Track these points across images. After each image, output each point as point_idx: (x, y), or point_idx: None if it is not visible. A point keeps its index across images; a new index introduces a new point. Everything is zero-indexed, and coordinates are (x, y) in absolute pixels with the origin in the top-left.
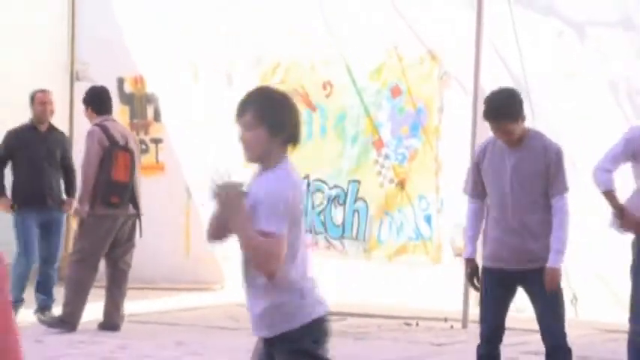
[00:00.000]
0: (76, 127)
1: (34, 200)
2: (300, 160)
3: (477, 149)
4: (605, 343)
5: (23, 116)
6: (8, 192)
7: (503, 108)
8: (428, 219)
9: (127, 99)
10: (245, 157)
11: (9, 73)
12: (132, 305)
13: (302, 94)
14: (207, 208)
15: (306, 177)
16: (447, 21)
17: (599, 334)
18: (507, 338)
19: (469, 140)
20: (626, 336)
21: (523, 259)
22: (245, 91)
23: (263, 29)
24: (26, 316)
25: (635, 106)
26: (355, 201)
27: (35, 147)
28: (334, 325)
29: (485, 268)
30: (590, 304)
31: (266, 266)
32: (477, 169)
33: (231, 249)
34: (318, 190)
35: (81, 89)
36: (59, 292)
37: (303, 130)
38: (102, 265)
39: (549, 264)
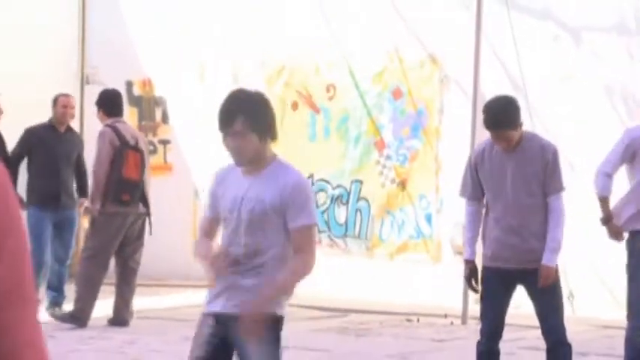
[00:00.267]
0: (86, 129)
1: (50, 199)
2: (304, 160)
3: (474, 152)
4: (601, 340)
5: (34, 117)
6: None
7: (502, 116)
8: (428, 218)
9: (135, 101)
10: (236, 161)
11: (22, 74)
12: (141, 302)
13: (306, 97)
14: None
15: (310, 177)
16: (446, 26)
17: (596, 331)
18: (505, 334)
19: (469, 141)
20: (622, 332)
21: (523, 259)
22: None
23: (268, 33)
24: None
25: (629, 108)
26: (358, 200)
27: (53, 147)
28: (336, 322)
29: (485, 267)
30: (587, 301)
31: (311, 265)
32: (474, 171)
33: None
34: (322, 189)
35: (91, 92)
36: (69, 290)
37: (307, 132)
38: (112, 262)
39: (544, 262)
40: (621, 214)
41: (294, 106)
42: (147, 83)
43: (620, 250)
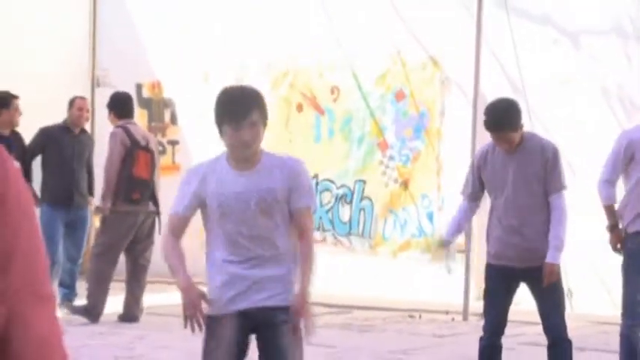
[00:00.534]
0: (97, 130)
1: (62, 198)
2: (309, 160)
3: (477, 155)
4: (598, 335)
5: (46, 117)
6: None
7: (503, 119)
8: (430, 216)
9: (145, 103)
10: (244, 153)
11: (34, 75)
12: (150, 298)
13: (310, 98)
14: None
15: (315, 177)
16: (448, 29)
17: (592, 327)
18: (505, 330)
19: (469, 142)
20: (617, 328)
21: (525, 257)
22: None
23: (273, 37)
24: None
25: (626, 109)
26: (361, 200)
27: (66, 148)
28: (340, 318)
29: (489, 265)
30: (585, 299)
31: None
32: (477, 173)
33: None
34: (326, 189)
35: (102, 95)
36: (80, 287)
37: (312, 133)
38: (123, 260)
39: (548, 259)
40: (623, 216)
41: (299, 107)
42: (156, 85)
43: None
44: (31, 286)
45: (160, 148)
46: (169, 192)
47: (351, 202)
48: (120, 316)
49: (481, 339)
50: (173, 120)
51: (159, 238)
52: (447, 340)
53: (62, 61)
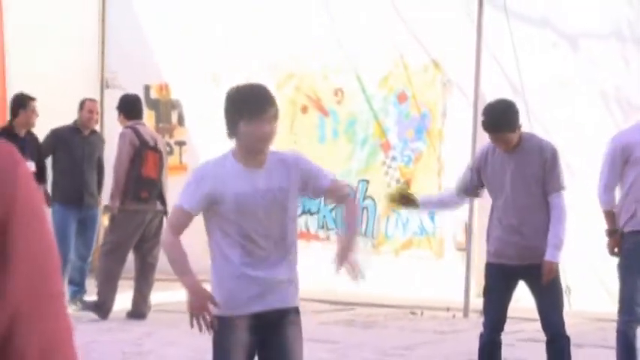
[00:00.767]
0: (106, 131)
1: (73, 198)
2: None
3: (477, 155)
4: (596, 332)
5: (57, 118)
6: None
7: (501, 120)
8: (431, 216)
9: (153, 105)
10: (264, 148)
11: (45, 77)
12: (158, 295)
13: (315, 100)
14: None
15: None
16: (449, 33)
17: (590, 323)
18: (505, 326)
19: (470, 143)
20: (614, 325)
21: (525, 256)
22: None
23: (279, 41)
24: None
25: (624, 112)
26: (364, 199)
27: (77, 149)
28: (344, 315)
29: (489, 263)
30: (583, 296)
31: None
32: (476, 174)
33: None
34: None
35: (111, 96)
36: (89, 284)
37: (317, 134)
38: (131, 258)
39: (547, 257)
40: (619, 217)
41: (304, 109)
42: (163, 87)
43: None
44: (41, 285)
45: (168, 148)
46: (177, 192)
47: None
48: (128, 313)
49: (481, 335)
50: (180, 121)
51: None
52: (448, 336)
53: (73, 63)
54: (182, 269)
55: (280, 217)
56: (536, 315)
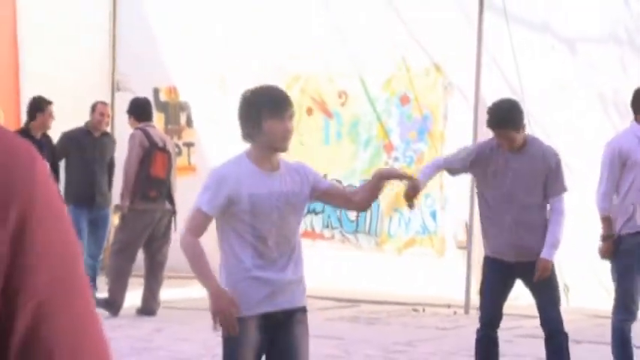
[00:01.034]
0: (117, 133)
1: (85, 199)
2: (318, 161)
3: (478, 149)
4: (593, 328)
5: (69, 120)
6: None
7: (506, 117)
8: (433, 215)
9: (162, 107)
10: (287, 146)
11: (58, 79)
12: (167, 292)
13: (319, 103)
14: None
15: (324, 177)
16: (450, 36)
17: (588, 320)
18: (503, 323)
19: (470, 144)
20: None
21: (522, 254)
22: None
23: (285, 45)
24: None
25: (622, 115)
26: None
27: (88, 151)
28: (348, 311)
29: (487, 257)
30: (581, 293)
31: None
32: (469, 165)
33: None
34: None
35: (121, 99)
36: (100, 282)
37: (321, 135)
38: (141, 256)
39: (542, 255)
40: (616, 220)
41: (309, 111)
42: (172, 90)
43: None
44: (65, 278)
45: (176, 149)
46: (185, 192)
47: None
48: (138, 310)
49: (478, 331)
50: (189, 123)
51: (175, 236)
52: (450, 332)
53: (84, 66)
54: (203, 272)
55: (292, 221)
56: (534, 312)
